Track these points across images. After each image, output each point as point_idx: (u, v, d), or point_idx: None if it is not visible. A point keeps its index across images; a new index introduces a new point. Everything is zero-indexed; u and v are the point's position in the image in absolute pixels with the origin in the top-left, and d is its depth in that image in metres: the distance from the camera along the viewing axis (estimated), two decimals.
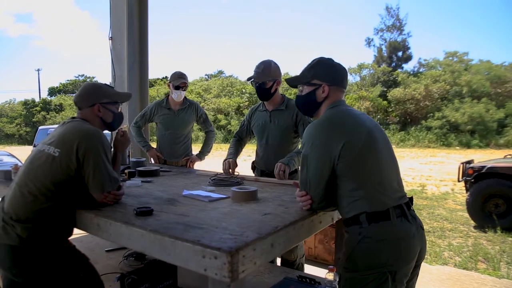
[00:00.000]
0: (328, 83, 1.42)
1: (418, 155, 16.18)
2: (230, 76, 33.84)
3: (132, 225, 1.23)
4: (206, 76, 36.80)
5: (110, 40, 3.69)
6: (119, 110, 1.69)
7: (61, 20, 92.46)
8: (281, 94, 2.38)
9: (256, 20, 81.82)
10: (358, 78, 26.52)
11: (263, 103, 2.42)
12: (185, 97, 3.09)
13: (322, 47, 57.78)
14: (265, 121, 2.37)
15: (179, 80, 2.95)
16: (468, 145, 19.36)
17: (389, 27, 27.09)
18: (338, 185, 1.32)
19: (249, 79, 2.33)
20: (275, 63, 2.30)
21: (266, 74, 2.24)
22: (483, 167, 5.23)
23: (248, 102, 26.77)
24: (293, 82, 1.55)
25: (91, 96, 1.59)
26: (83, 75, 40.31)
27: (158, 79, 32.44)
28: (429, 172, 10.65)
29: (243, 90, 28.27)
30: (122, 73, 3.60)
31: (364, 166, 1.28)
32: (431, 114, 21.71)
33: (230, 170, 2.29)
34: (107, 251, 2.51)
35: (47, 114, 31.91)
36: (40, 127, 8.38)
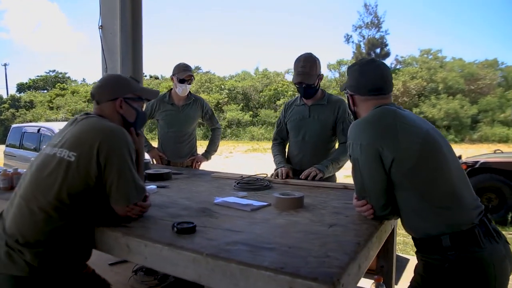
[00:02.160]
0: (353, 93, 1.33)
1: None
2: (208, 72, 33.34)
3: (179, 248, 0.98)
4: None
5: (100, 29, 3.32)
6: (143, 109, 1.43)
7: (28, 12, 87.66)
8: (321, 89, 2.16)
9: (231, 17, 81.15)
10: (337, 75, 26.80)
11: (300, 97, 2.19)
12: (189, 91, 2.83)
13: (301, 44, 58.08)
14: (303, 116, 2.14)
15: (184, 73, 2.68)
16: None
17: (368, 24, 27.42)
18: (398, 197, 1.14)
19: (299, 83, 2.03)
20: (315, 56, 2.06)
21: (314, 73, 2.03)
22: (476, 162, 5.28)
23: (227, 98, 26.44)
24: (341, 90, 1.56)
25: (114, 89, 1.32)
26: (54, 70, 38.43)
27: None
28: None
29: (222, 86, 27.93)
30: (115, 64, 3.24)
31: (427, 176, 1.10)
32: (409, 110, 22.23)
33: (284, 176, 1.98)
34: (110, 264, 2.22)
35: (17, 112, 30.11)
36: (13, 125, 7.72)
